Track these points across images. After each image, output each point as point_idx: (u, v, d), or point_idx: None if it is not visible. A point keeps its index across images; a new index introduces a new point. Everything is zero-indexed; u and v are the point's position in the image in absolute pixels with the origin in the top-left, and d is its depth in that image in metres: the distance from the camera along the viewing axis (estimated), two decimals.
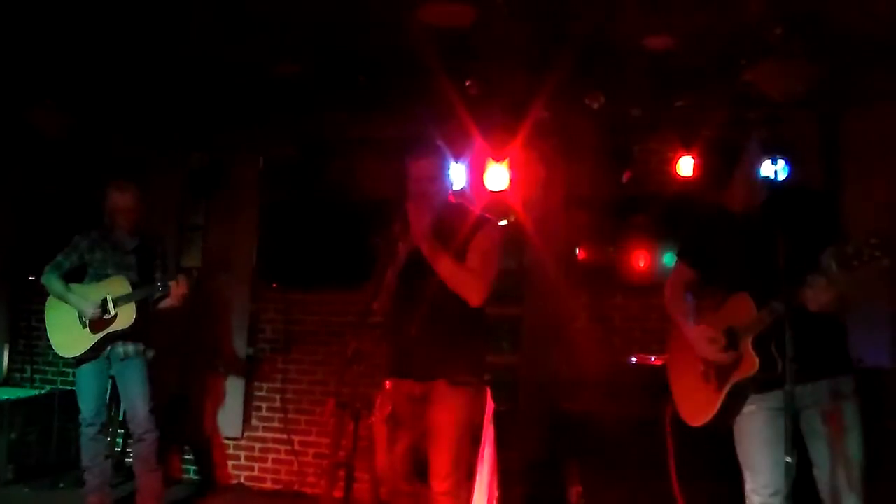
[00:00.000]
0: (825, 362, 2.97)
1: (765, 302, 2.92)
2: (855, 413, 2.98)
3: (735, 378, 3.04)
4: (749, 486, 3.09)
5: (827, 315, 2.84)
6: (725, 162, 3.10)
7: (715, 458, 3.93)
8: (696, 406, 3.24)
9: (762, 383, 2.98)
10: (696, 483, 3.86)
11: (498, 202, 5.41)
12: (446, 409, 3.31)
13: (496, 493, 4.07)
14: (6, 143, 6.42)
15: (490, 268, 3.37)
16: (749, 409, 3.07)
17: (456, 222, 3.44)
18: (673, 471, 3.70)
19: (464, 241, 3.38)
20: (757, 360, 2.94)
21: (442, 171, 3.47)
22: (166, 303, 4.74)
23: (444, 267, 3.29)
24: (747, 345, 2.98)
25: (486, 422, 3.69)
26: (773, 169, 4.74)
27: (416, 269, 3.35)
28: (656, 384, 4.58)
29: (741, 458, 3.15)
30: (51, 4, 4.27)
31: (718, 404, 3.09)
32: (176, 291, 4.62)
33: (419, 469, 3.44)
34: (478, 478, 3.81)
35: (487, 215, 3.53)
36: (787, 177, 4.82)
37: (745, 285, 3.04)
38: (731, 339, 3.05)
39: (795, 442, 2.70)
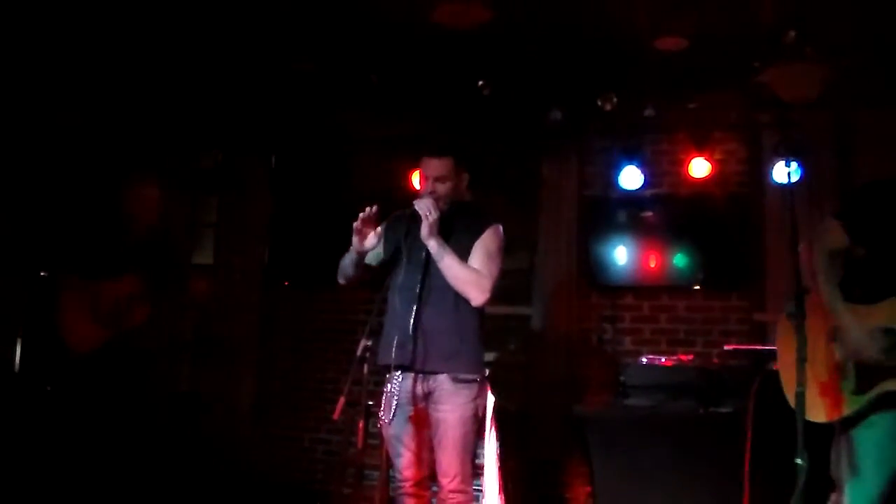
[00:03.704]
0: None
1: None
2: None
3: (890, 387, 2.72)
4: (844, 497, 2.83)
5: None
6: None
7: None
8: (822, 400, 2.85)
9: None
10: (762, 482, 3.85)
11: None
12: (451, 408, 3.33)
13: (505, 486, 4.08)
14: (20, 139, 6.45)
15: (493, 269, 3.40)
16: (874, 418, 2.78)
17: (463, 222, 3.47)
18: (747, 467, 3.65)
19: (468, 241, 3.42)
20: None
21: (454, 171, 3.48)
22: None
23: (449, 266, 3.33)
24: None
25: (488, 417, 3.69)
26: (786, 171, 4.72)
27: (422, 266, 3.38)
28: (665, 385, 4.62)
29: (843, 467, 2.85)
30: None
31: (856, 407, 2.77)
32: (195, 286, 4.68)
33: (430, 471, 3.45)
34: (485, 473, 3.82)
35: (492, 217, 3.56)
36: (800, 179, 4.82)
37: None
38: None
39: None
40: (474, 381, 3.39)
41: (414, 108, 5.34)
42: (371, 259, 3.55)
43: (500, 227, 3.51)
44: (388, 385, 3.39)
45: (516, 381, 5.54)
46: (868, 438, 2.78)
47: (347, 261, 3.52)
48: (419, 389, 3.36)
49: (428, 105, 5.26)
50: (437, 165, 3.44)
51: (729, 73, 4.71)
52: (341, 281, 3.61)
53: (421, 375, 3.35)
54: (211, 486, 6.05)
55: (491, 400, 3.61)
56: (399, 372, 3.36)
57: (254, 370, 6.20)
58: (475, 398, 3.39)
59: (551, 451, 5.29)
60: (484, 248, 3.41)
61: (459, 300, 3.36)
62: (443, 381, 3.34)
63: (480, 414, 3.46)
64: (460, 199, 3.52)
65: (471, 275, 3.35)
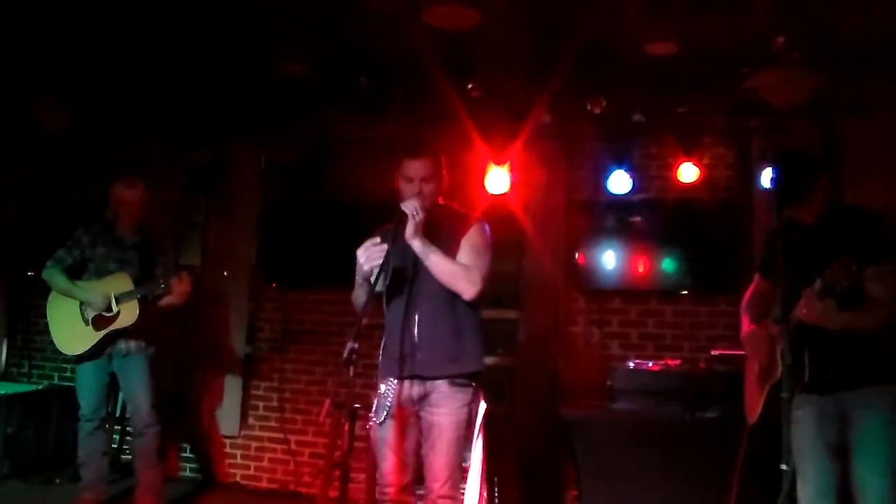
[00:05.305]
0: (869, 371, 3.12)
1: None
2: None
3: (771, 380, 3.29)
4: (799, 490, 3.15)
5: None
6: (807, 174, 3.28)
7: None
8: (751, 403, 3.51)
9: (805, 388, 3.14)
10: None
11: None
12: (447, 411, 3.33)
13: (485, 495, 4.07)
14: (6, 137, 6.42)
15: (482, 261, 3.40)
16: (797, 414, 3.12)
17: (447, 223, 3.48)
18: (737, 473, 3.85)
19: (455, 240, 3.42)
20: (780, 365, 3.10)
21: (435, 171, 3.48)
22: (167, 300, 4.73)
23: (436, 262, 3.32)
24: (777, 350, 3.18)
25: (479, 423, 3.68)
26: (772, 177, 4.73)
27: (411, 269, 3.38)
28: (653, 388, 4.62)
29: (795, 464, 3.14)
30: None
31: (762, 403, 3.37)
32: (178, 289, 4.62)
33: (417, 476, 3.44)
34: (468, 479, 3.81)
35: (476, 215, 3.56)
36: None
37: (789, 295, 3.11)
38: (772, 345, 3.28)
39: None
40: (470, 385, 3.40)
41: (402, 110, 5.34)
42: (380, 286, 3.37)
43: (486, 224, 3.52)
44: (382, 386, 3.38)
45: (503, 384, 5.53)
46: (796, 434, 3.06)
47: (360, 292, 3.44)
48: (414, 393, 3.36)
49: (416, 106, 5.25)
50: (418, 167, 3.43)
51: (718, 78, 4.72)
52: (360, 314, 3.18)
53: (418, 379, 3.35)
54: (196, 487, 6.03)
55: (483, 406, 3.60)
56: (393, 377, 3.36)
57: (240, 371, 6.18)
58: (470, 402, 3.39)
59: (538, 454, 5.30)
60: (470, 244, 3.42)
61: (455, 299, 3.36)
62: (440, 385, 3.34)
63: (472, 419, 3.46)
64: (440, 198, 3.53)
65: (458, 268, 3.35)
